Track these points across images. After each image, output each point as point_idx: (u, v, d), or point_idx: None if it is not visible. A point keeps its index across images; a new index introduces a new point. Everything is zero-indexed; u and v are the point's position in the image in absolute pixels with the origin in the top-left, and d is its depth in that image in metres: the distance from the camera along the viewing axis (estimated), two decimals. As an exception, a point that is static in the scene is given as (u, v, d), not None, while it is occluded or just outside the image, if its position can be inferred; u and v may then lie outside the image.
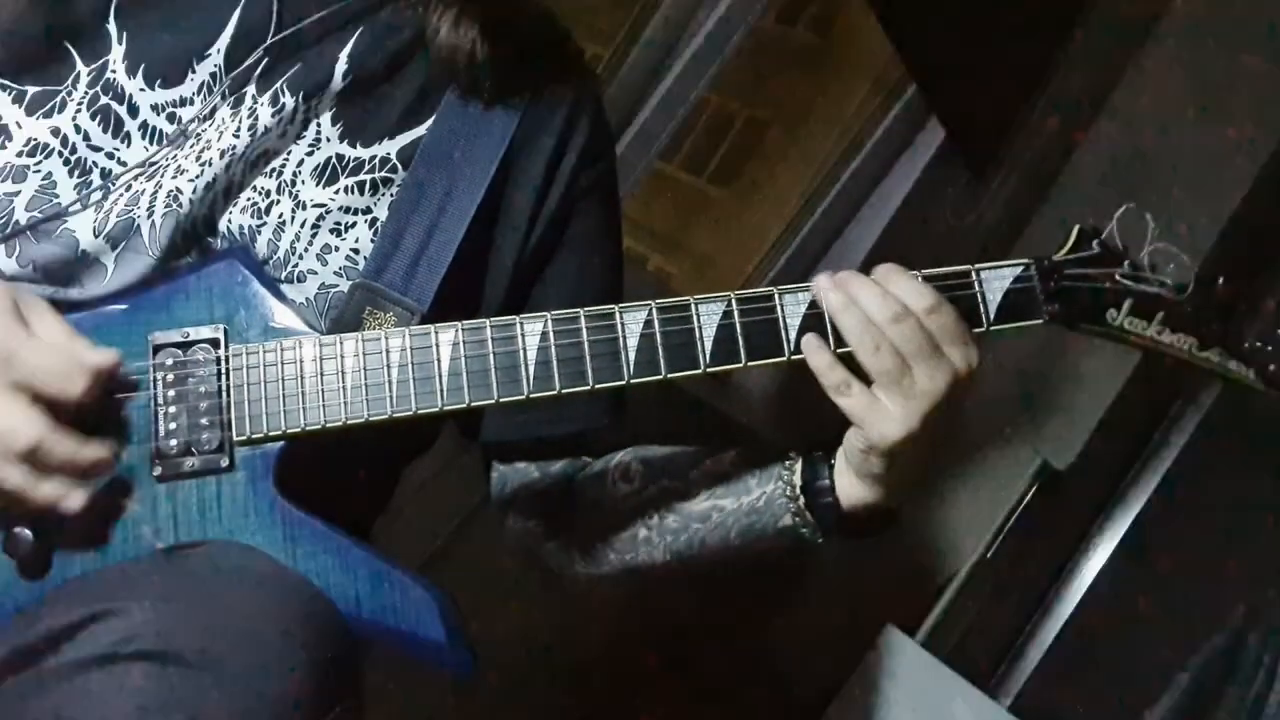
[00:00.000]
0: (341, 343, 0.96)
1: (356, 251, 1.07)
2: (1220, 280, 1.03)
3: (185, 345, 0.96)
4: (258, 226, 1.06)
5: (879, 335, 0.96)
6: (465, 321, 0.97)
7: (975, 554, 2.79)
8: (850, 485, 1.04)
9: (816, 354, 0.99)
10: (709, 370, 0.98)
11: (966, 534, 2.84)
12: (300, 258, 1.06)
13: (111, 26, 1.04)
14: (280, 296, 1.00)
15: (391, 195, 1.08)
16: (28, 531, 0.90)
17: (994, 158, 2.87)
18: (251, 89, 1.06)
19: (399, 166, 1.09)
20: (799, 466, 1.07)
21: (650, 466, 1.15)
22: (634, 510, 1.14)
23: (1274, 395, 1.04)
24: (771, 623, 2.74)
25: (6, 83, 1.03)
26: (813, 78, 2.72)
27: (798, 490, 1.06)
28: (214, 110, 1.05)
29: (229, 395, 0.95)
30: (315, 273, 1.06)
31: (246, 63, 1.05)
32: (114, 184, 1.03)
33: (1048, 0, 2.83)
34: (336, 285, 1.06)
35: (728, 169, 2.63)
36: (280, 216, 1.06)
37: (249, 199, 1.06)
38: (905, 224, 2.70)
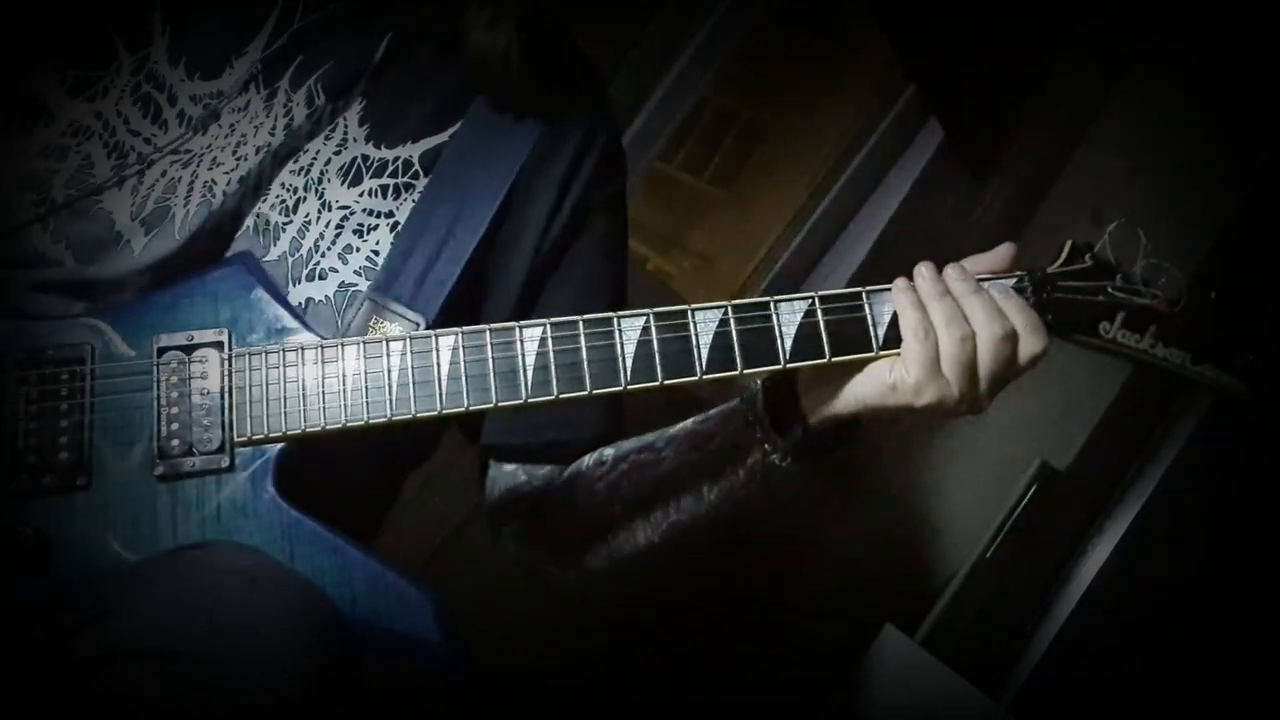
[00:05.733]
0: (343, 347, 0.97)
1: (376, 253, 1.09)
2: (1213, 294, 1.03)
3: (189, 348, 0.97)
4: (284, 224, 1.08)
5: (972, 348, 0.98)
6: (465, 327, 0.98)
7: (975, 554, 2.80)
8: (818, 400, 1.03)
9: (903, 294, 1.00)
10: (705, 377, 0.98)
11: (966, 534, 2.85)
12: (323, 256, 1.08)
13: (156, 20, 1.09)
14: (284, 302, 1.01)
15: (413, 201, 1.10)
16: (28, 527, 0.91)
17: (993, 158, 2.87)
18: (285, 85, 1.09)
19: (420, 172, 1.11)
20: (760, 393, 1.07)
21: (621, 448, 1.16)
22: (609, 489, 1.14)
23: (1267, 410, 1.04)
24: (771, 622, 2.75)
25: (53, 66, 1.08)
26: (813, 78, 2.72)
27: (762, 410, 1.05)
28: (248, 104, 1.09)
29: (231, 397, 0.96)
30: (336, 270, 1.08)
31: (276, 46, 1.09)
32: (148, 167, 1.06)
33: (1046, 1, 2.83)
34: (356, 284, 1.08)
35: (728, 169, 2.63)
36: (306, 215, 1.09)
37: (278, 195, 1.09)
38: (905, 224, 2.70)
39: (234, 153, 1.08)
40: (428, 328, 1.04)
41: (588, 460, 1.17)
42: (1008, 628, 2.85)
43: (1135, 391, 2.73)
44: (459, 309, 1.08)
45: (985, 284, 1.01)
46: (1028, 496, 2.81)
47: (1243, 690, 2.71)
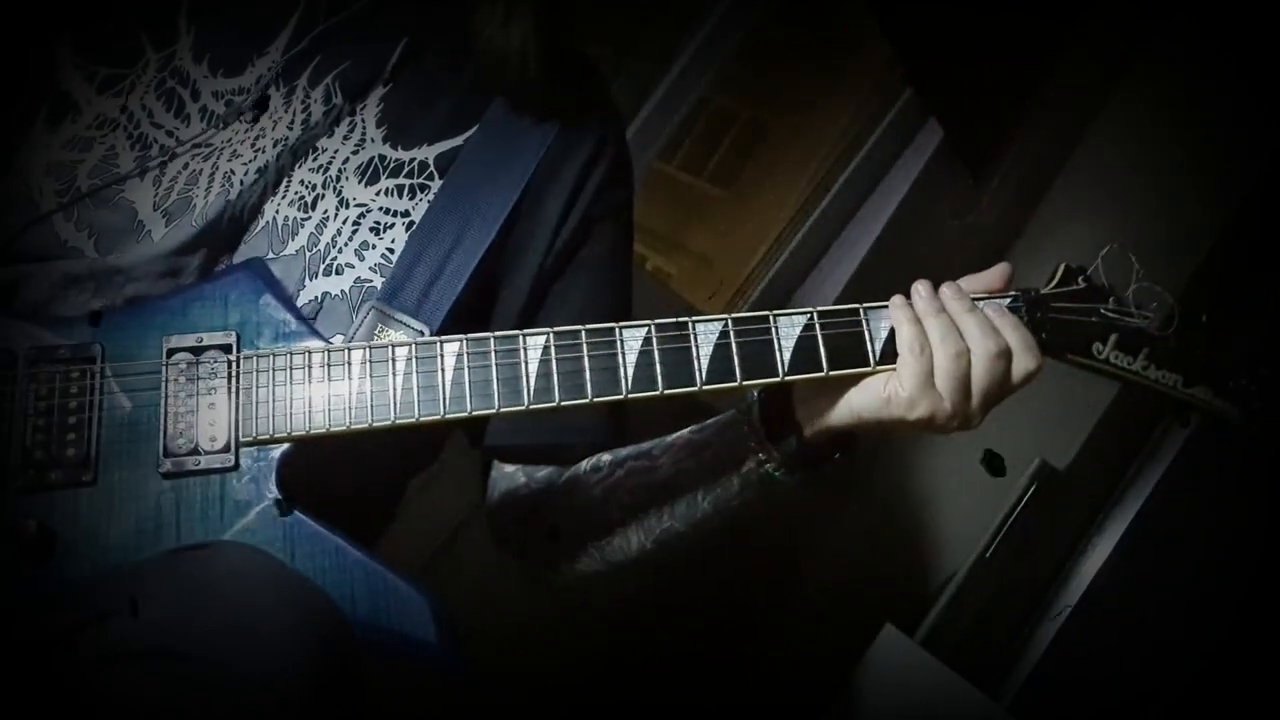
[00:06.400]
0: (349, 351, 0.98)
1: (391, 251, 1.10)
2: (1205, 317, 1.05)
3: (198, 350, 0.98)
4: (302, 219, 1.10)
5: (965, 366, 1.00)
6: (470, 334, 0.99)
7: (975, 554, 2.80)
8: (814, 411, 1.04)
9: (900, 310, 1.02)
10: (705, 388, 0.99)
11: (966, 534, 2.85)
12: (340, 251, 1.10)
13: (181, 20, 1.12)
14: (292, 308, 1.02)
15: (428, 203, 1.11)
16: (31, 520, 0.91)
17: (993, 158, 2.87)
18: (303, 83, 1.11)
19: (435, 174, 1.12)
20: (757, 404, 1.08)
21: (619, 454, 1.17)
22: (606, 494, 1.15)
23: (1260, 434, 1.05)
24: (771, 623, 2.75)
25: (81, 63, 1.11)
26: (813, 78, 2.72)
27: (757, 420, 1.07)
28: (267, 100, 1.11)
29: (237, 398, 0.97)
30: (352, 266, 1.10)
31: (298, 48, 1.11)
32: (170, 159, 1.09)
33: (1045, 2, 2.84)
34: (371, 281, 1.09)
35: (728, 169, 2.64)
36: (324, 212, 1.11)
37: (296, 192, 1.11)
38: (905, 224, 2.70)
39: (253, 145, 1.10)
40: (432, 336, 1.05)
41: (585, 465, 1.18)
42: (1008, 628, 2.85)
43: (1134, 393, 2.73)
44: (464, 314, 1.09)
45: (980, 303, 1.03)
46: (1027, 496, 2.82)
47: (1243, 690, 2.71)
